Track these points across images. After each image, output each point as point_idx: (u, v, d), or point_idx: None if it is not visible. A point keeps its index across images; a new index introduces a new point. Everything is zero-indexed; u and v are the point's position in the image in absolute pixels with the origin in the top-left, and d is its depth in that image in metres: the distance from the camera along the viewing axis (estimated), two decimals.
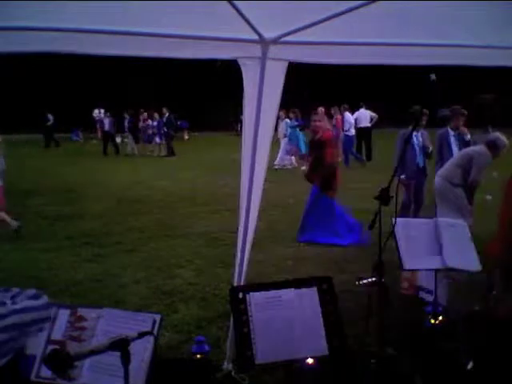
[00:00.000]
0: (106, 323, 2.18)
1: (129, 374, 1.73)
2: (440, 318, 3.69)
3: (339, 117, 18.05)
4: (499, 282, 3.79)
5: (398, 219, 3.33)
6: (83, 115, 24.02)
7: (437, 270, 3.65)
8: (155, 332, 2.07)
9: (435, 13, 2.61)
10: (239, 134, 19.61)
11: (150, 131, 21.52)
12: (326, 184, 7.03)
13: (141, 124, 22.04)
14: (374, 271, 2.97)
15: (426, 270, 3.97)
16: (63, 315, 2.25)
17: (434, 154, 7.19)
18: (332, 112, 17.95)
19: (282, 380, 2.36)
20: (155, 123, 21.42)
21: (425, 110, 7.01)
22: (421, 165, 7.22)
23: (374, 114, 18.19)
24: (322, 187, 7.02)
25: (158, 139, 21.15)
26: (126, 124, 22.32)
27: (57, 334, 2.21)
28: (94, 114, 23.15)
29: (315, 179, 7.10)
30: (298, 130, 16.03)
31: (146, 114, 22.08)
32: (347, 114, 17.14)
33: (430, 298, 4.29)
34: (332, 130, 17.35)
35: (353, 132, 16.85)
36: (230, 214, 8.23)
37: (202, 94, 35.45)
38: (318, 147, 7.15)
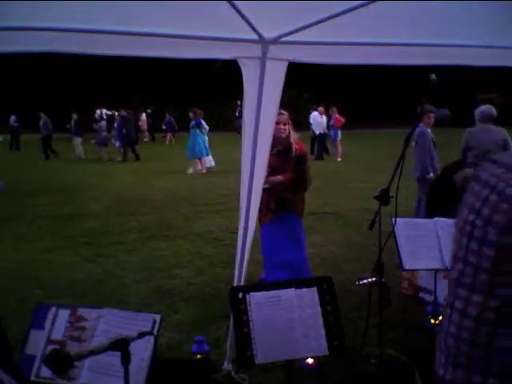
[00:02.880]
0: (106, 323, 2.18)
1: (129, 374, 1.72)
2: (440, 317, 3.69)
3: (337, 117, 18.16)
4: None
5: (398, 219, 3.33)
6: (86, 115, 24.03)
7: (437, 270, 3.65)
8: (155, 332, 2.07)
9: (435, 12, 2.62)
10: (239, 134, 19.37)
11: (104, 133, 20.46)
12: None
13: (94, 126, 21.14)
14: (374, 271, 2.97)
15: (426, 270, 3.97)
16: (63, 315, 2.25)
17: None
18: (330, 112, 18.19)
19: (282, 380, 2.35)
20: (114, 125, 20.15)
21: (429, 108, 6.79)
22: None
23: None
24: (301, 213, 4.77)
25: (117, 143, 19.80)
26: (72, 125, 20.90)
27: (57, 334, 2.21)
28: (96, 115, 23.20)
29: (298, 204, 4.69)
30: (198, 130, 15.13)
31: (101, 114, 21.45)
32: None
33: (429, 298, 4.29)
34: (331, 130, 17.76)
35: None
36: (230, 214, 8.23)
37: (202, 93, 35.44)
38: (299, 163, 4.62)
